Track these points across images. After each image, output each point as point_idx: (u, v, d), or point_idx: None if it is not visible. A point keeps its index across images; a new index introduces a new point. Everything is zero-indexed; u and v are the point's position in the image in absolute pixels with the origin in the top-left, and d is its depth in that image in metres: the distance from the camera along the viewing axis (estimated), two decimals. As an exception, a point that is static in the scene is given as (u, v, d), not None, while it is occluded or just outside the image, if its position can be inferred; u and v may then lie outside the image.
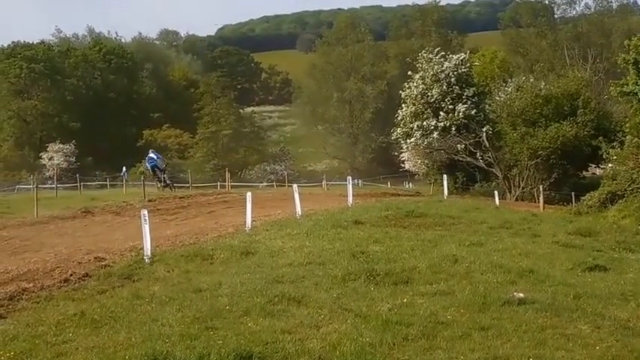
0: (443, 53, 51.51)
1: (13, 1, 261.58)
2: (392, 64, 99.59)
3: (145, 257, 13.54)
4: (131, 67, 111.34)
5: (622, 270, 13.52)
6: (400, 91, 52.98)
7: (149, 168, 43.02)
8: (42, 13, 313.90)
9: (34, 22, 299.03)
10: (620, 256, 15.72)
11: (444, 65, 49.53)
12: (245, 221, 18.18)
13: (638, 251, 16.64)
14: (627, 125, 31.00)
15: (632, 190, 26.73)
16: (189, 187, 52.16)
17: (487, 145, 44.28)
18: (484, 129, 44.98)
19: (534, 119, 42.22)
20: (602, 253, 15.70)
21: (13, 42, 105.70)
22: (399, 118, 51.54)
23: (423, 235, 16.44)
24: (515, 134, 42.30)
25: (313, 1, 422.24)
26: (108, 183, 62.08)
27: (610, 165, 32.82)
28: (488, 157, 44.17)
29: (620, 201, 27.11)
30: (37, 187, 34.81)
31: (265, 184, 68.64)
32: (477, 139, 44.88)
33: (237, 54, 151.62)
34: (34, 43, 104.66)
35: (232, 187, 50.01)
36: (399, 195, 40.22)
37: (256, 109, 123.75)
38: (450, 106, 48.03)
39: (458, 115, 47.36)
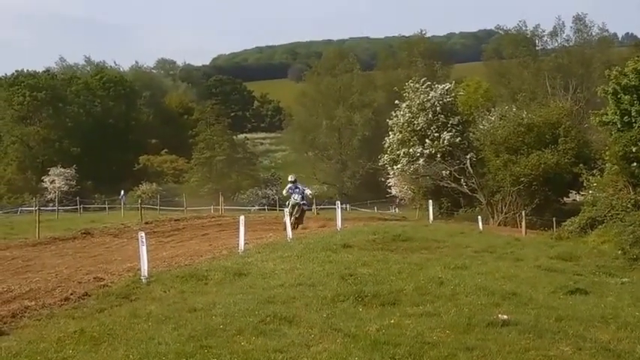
0: (429, 83, 52.16)
1: (16, 34, 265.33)
2: (379, 93, 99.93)
3: (142, 277, 13.71)
4: (129, 94, 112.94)
5: (602, 293, 13.71)
6: (387, 119, 53.51)
7: None
8: (44, 42, 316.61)
9: (36, 52, 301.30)
10: (600, 280, 15.98)
11: (430, 94, 50.13)
12: (238, 244, 18.45)
13: (618, 275, 16.88)
14: (607, 153, 31.42)
15: (611, 215, 27.01)
16: (184, 210, 52.68)
17: (471, 171, 44.81)
18: (468, 156, 45.48)
19: (517, 147, 42.82)
20: (582, 277, 15.92)
21: (16, 70, 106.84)
22: (386, 145, 51.97)
23: (410, 259, 16.57)
24: (498, 161, 42.87)
25: (305, 32, 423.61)
26: (107, 206, 62.45)
27: (590, 192, 33.19)
28: (472, 183, 44.69)
29: (600, 226, 27.37)
30: (39, 209, 34.90)
31: (257, 207, 68.88)
32: (461, 166, 45.40)
33: (231, 83, 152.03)
34: (38, 71, 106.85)
35: (225, 210, 50.28)
36: (385, 219, 40.60)
37: (249, 135, 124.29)
38: (436, 134, 48.55)
39: (443, 143, 47.87)
